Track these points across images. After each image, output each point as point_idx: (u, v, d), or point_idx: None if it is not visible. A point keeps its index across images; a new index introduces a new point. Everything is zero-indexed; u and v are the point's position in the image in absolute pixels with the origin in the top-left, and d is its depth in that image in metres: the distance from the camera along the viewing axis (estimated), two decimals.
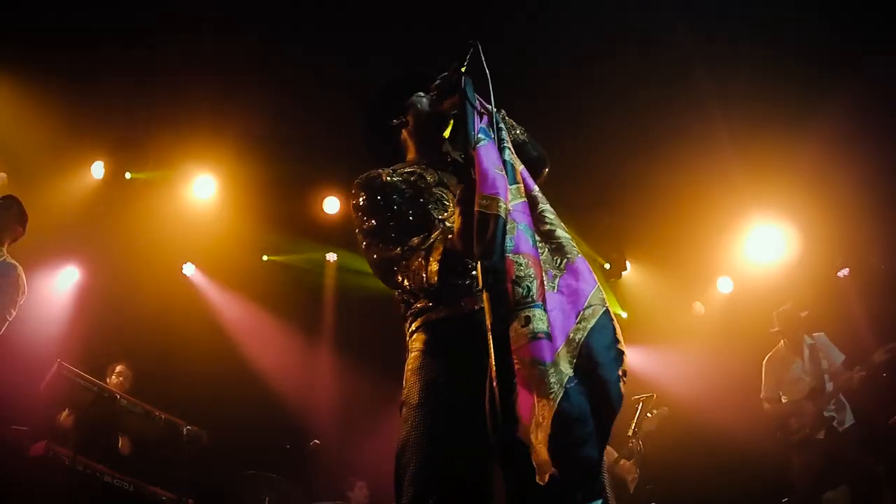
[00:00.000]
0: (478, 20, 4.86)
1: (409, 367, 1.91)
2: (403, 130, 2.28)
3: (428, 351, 1.90)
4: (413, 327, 1.98)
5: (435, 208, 2.03)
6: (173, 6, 4.86)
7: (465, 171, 2.05)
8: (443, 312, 1.91)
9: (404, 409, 1.85)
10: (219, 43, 5.06)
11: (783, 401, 5.14)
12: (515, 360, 1.56)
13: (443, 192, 2.09)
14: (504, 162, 1.84)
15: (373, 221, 2.02)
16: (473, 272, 1.90)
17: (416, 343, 1.94)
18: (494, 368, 1.51)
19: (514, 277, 1.64)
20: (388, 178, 2.09)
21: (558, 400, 1.52)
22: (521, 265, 1.66)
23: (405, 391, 1.87)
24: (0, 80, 5.17)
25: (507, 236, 1.70)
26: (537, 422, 1.51)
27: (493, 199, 1.69)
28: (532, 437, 1.50)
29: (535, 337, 1.58)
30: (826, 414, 4.87)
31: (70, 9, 4.85)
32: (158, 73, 5.31)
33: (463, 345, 1.83)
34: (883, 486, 4.66)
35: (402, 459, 1.78)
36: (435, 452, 1.74)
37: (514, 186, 1.82)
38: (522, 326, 1.59)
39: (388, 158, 2.30)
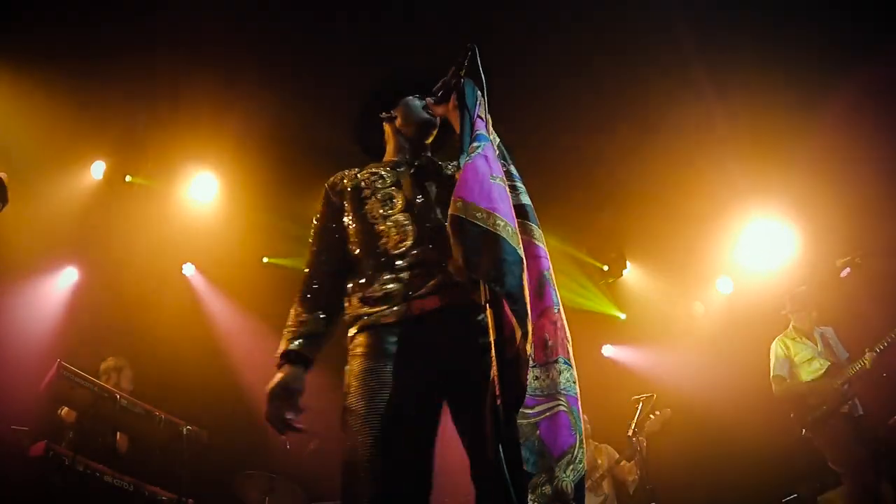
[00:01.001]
0: (478, 20, 4.86)
1: (352, 371, 1.90)
2: (389, 126, 2.30)
3: (370, 355, 1.88)
4: (353, 331, 1.98)
5: (382, 207, 2.06)
6: (174, 6, 4.86)
7: (435, 176, 2.13)
8: (383, 317, 1.90)
9: (347, 416, 1.84)
10: (219, 43, 5.06)
11: (792, 381, 4.97)
12: (560, 401, 1.70)
13: (394, 191, 2.09)
14: (524, 205, 1.89)
15: (312, 240, 2.19)
16: (416, 273, 1.92)
17: (357, 347, 1.93)
18: (499, 387, 1.52)
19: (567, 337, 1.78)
20: (347, 183, 2.18)
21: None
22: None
23: (348, 397, 1.87)
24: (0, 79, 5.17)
25: (554, 291, 1.77)
26: (569, 460, 1.65)
27: (491, 215, 1.68)
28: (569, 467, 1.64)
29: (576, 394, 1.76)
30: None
31: (70, 8, 4.85)
32: (158, 73, 5.30)
33: (405, 349, 1.85)
34: (883, 486, 4.63)
35: (348, 465, 1.79)
36: (380, 459, 1.74)
37: (537, 228, 1.83)
38: (575, 383, 1.75)
39: (372, 149, 2.37)
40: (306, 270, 2.15)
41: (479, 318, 1.84)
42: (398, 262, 1.94)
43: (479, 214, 1.67)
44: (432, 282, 1.89)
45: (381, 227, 2.01)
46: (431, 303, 1.87)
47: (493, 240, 1.65)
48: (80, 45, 5.01)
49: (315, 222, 2.22)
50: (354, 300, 2.00)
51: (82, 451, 4.11)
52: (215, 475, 5.25)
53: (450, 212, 1.70)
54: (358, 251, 2.04)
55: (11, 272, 5.68)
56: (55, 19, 4.88)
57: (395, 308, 1.89)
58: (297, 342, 1.99)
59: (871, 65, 4.97)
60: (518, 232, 1.74)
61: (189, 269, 6.77)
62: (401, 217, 2.01)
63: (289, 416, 1.92)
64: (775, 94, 5.24)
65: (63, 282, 6.23)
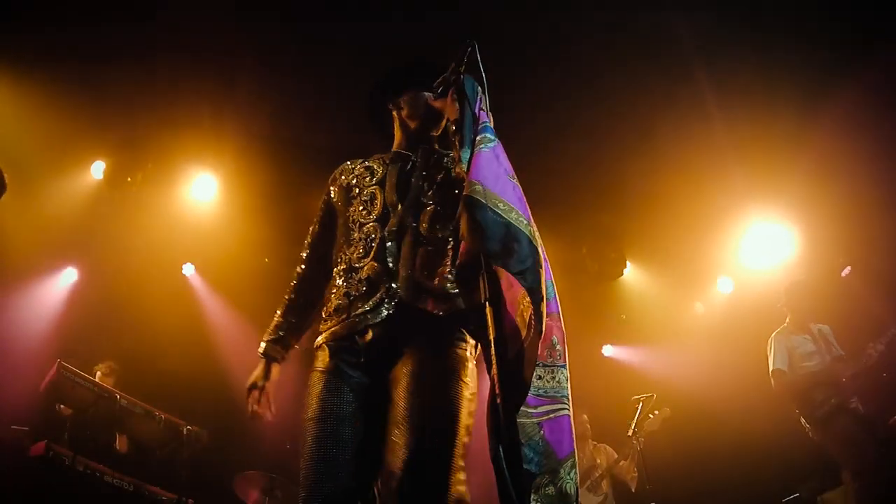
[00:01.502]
0: (478, 21, 4.86)
1: (309, 383, 2.02)
2: (397, 116, 2.33)
3: (323, 370, 1.99)
4: (316, 343, 2.09)
5: (363, 211, 2.13)
6: (174, 7, 4.87)
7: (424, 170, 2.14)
8: (333, 331, 2.02)
9: (304, 422, 1.95)
10: (219, 43, 5.06)
11: (793, 376, 4.76)
12: (565, 405, 1.71)
13: (377, 192, 2.14)
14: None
15: (309, 238, 2.33)
16: (363, 290, 1.99)
17: (317, 361, 2.04)
18: (499, 386, 1.52)
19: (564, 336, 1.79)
20: (344, 179, 2.26)
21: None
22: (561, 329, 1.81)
23: (306, 405, 1.98)
24: (0, 79, 5.18)
25: (553, 286, 1.76)
26: (572, 463, 1.69)
27: (513, 209, 1.70)
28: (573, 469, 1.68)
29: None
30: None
31: (70, 10, 4.86)
32: (158, 74, 5.31)
33: (354, 363, 1.96)
34: (886, 487, 4.58)
35: (301, 465, 1.88)
36: (322, 462, 1.83)
37: (535, 229, 1.84)
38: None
39: (387, 136, 2.40)
40: (297, 273, 2.31)
41: (421, 330, 1.92)
42: (353, 276, 2.03)
43: (500, 205, 1.69)
44: (373, 299, 1.96)
45: (355, 236, 2.09)
46: (366, 323, 1.95)
47: (514, 235, 1.67)
48: (81, 46, 5.01)
49: (315, 219, 2.33)
50: (322, 311, 2.14)
51: (82, 451, 4.11)
52: (215, 475, 5.26)
53: (466, 192, 1.70)
54: (335, 257, 2.16)
55: (11, 272, 5.69)
56: (56, 20, 4.88)
57: (341, 324, 2.00)
58: (263, 345, 2.26)
59: (872, 66, 4.97)
60: (535, 232, 1.76)
61: (189, 269, 6.78)
62: (371, 228, 2.07)
63: (262, 401, 2.20)
64: (775, 95, 5.24)
65: (63, 282, 6.24)
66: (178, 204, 6.21)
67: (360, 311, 1.96)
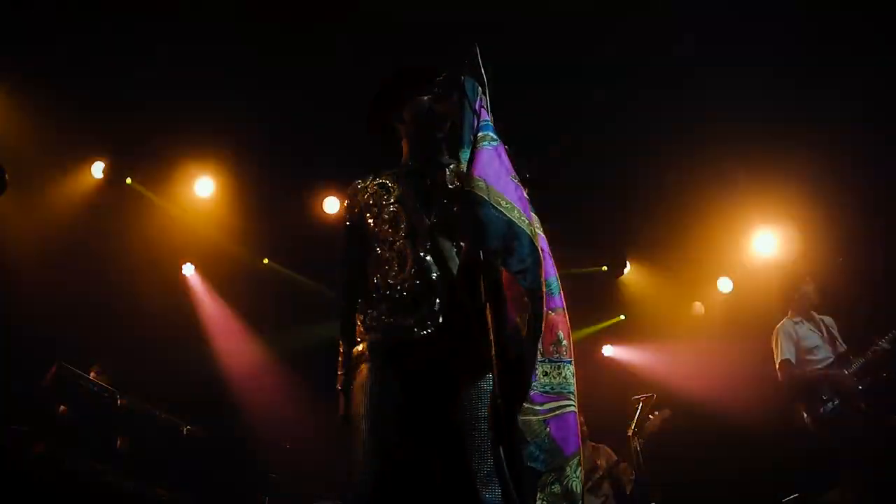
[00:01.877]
0: (478, 21, 4.86)
1: (357, 383, 2.03)
2: (401, 128, 2.29)
3: (369, 366, 2.01)
4: (357, 350, 2.10)
5: (390, 231, 2.11)
6: (175, 8, 4.87)
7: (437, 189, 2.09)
8: (377, 342, 2.03)
9: (353, 420, 1.98)
10: (219, 43, 5.07)
11: (800, 369, 4.66)
12: (571, 401, 1.71)
13: (398, 210, 2.13)
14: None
15: (342, 265, 2.29)
16: (404, 306, 2.00)
17: (362, 362, 2.05)
18: (500, 386, 1.52)
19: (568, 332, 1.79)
20: (360, 199, 2.22)
21: None
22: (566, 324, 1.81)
23: (354, 404, 2.01)
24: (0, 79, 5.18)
25: (557, 281, 1.75)
26: (578, 460, 1.69)
27: (515, 208, 1.70)
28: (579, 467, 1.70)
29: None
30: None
31: (71, 9, 4.85)
32: (159, 73, 5.31)
33: (404, 368, 1.96)
34: (884, 487, 4.56)
35: (351, 461, 1.91)
36: (375, 458, 1.85)
37: (537, 221, 1.82)
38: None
39: (390, 150, 2.37)
40: (343, 304, 2.26)
41: (463, 347, 1.91)
42: (389, 293, 2.03)
43: (503, 203, 1.70)
44: (416, 317, 1.98)
45: (387, 255, 2.09)
46: (411, 336, 1.97)
47: (516, 233, 1.68)
48: (81, 47, 5.01)
49: (342, 251, 2.28)
50: (358, 322, 2.15)
51: (82, 452, 4.12)
52: (215, 475, 5.26)
53: (468, 188, 1.71)
54: (369, 274, 2.15)
55: (11, 272, 5.68)
56: (56, 21, 4.88)
57: (385, 338, 2.02)
58: (342, 378, 2.20)
59: (873, 67, 4.97)
60: (536, 231, 1.75)
61: (189, 269, 6.77)
62: (402, 244, 2.07)
63: None
64: (775, 95, 5.24)
65: (63, 281, 6.22)
66: (178, 204, 6.21)
67: (404, 325, 1.98)
